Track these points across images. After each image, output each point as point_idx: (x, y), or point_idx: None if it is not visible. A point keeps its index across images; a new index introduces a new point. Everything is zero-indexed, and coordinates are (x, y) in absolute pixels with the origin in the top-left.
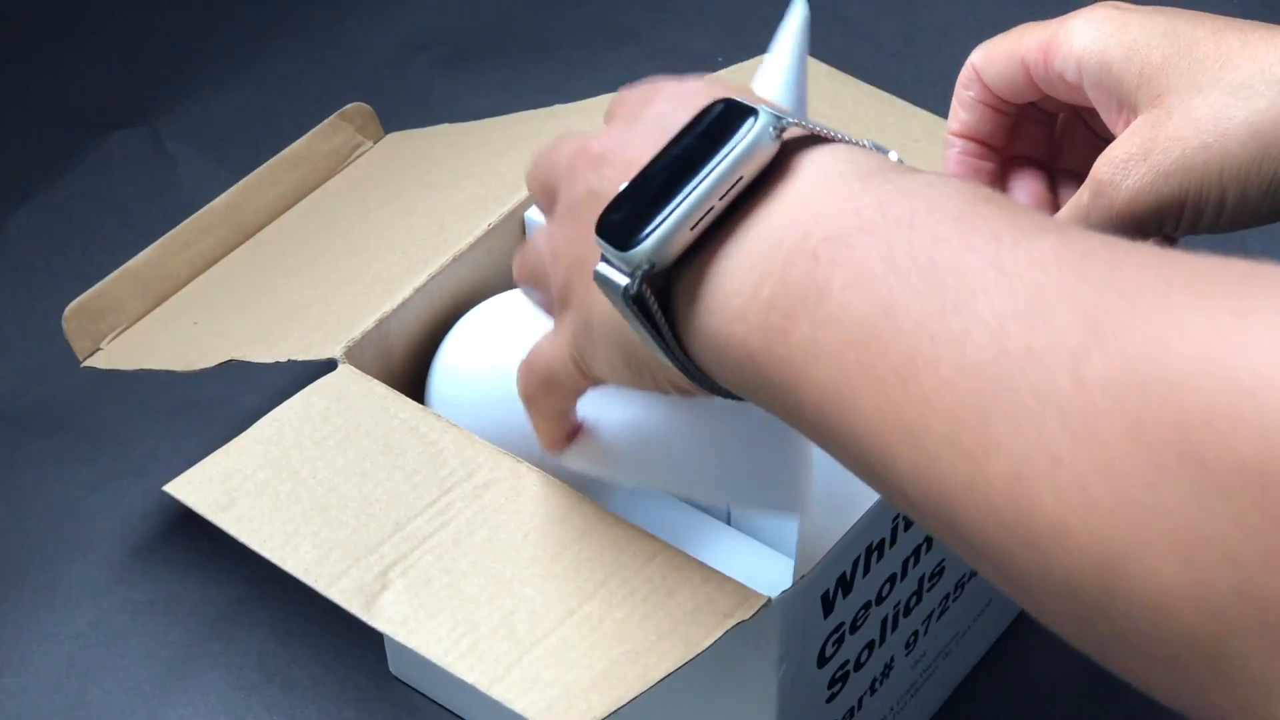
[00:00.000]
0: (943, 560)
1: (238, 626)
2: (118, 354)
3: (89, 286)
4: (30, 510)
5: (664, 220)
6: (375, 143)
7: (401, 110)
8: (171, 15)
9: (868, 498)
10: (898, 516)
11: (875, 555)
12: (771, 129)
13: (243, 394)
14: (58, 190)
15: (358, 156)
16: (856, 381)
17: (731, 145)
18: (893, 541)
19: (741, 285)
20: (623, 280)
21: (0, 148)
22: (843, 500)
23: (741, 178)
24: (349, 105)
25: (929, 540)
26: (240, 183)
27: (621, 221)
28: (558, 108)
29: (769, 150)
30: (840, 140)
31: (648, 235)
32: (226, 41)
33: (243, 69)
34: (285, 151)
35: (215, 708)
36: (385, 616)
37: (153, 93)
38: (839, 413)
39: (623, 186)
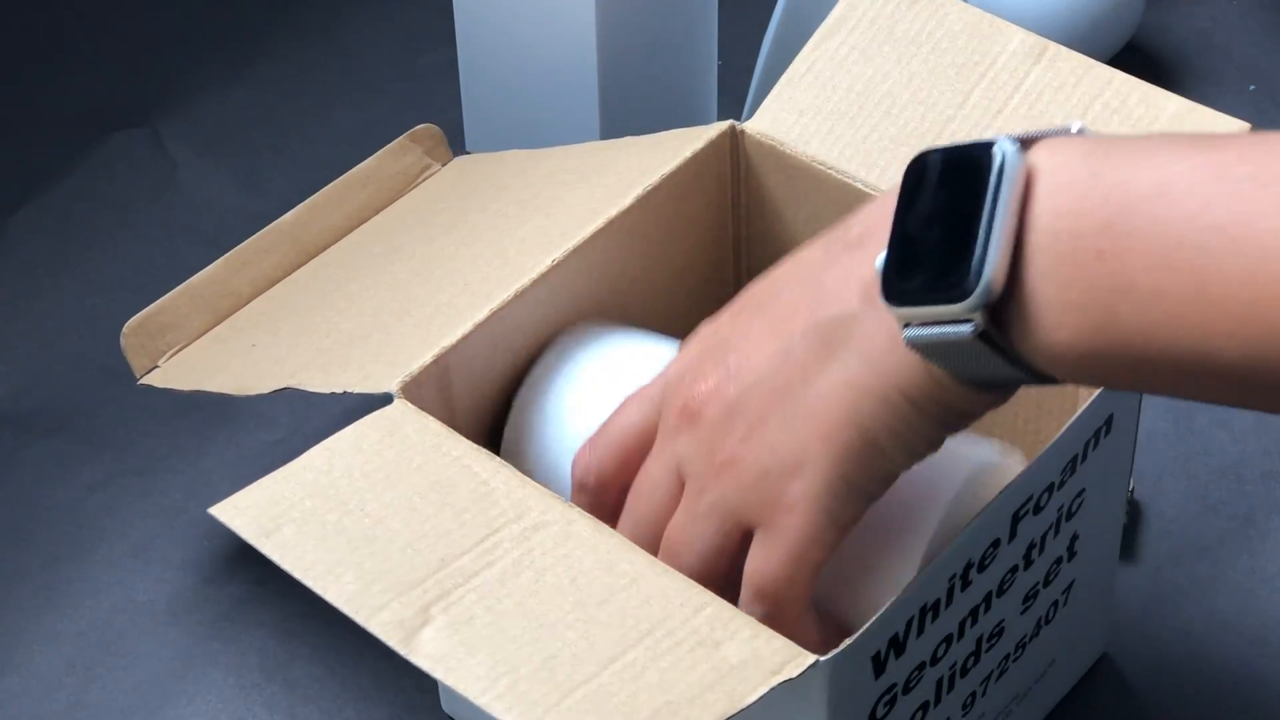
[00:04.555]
0: (1002, 621)
1: (238, 626)
2: (174, 373)
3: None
4: (31, 510)
5: (985, 256)
6: (444, 165)
7: (401, 110)
8: (171, 15)
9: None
10: (954, 576)
11: (930, 616)
12: (1014, 147)
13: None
14: (58, 190)
15: (426, 178)
16: (1213, 323)
17: (996, 170)
18: (949, 602)
19: (1048, 299)
20: (964, 328)
21: (0, 148)
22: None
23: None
24: (419, 126)
25: (987, 600)
26: (306, 201)
27: (929, 280)
28: (628, 139)
29: (1022, 168)
30: (1043, 135)
31: (977, 273)
32: (226, 41)
33: (243, 69)
34: (353, 170)
35: (215, 708)
36: (424, 652)
37: (153, 93)
38: (1201, 353)
39: (880, 261)
